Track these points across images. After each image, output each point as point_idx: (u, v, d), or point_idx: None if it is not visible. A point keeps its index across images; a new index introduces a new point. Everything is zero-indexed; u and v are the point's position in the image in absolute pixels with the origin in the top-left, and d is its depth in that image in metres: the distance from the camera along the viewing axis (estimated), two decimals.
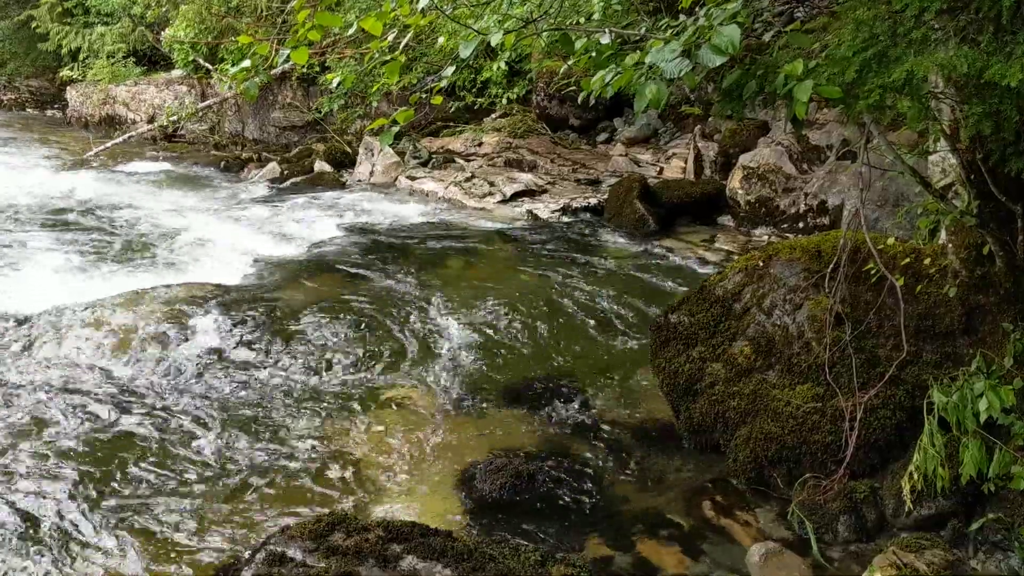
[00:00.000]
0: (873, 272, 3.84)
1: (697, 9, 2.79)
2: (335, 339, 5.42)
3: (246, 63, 3.16)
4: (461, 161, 10.50)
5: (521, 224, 8.49)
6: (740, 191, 7.92)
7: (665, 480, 4.09)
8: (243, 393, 4.86)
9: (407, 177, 10.32)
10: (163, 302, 5.81)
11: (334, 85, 3.63)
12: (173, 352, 5.24)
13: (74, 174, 11.21)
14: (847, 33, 2.76)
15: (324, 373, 5.08)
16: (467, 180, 9.80)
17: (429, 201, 9.63)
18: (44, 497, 3.85)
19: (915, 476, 3.37)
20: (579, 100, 3.30)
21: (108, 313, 5.65)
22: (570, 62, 3.31)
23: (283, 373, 5.07)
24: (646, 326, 5.40)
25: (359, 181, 10.77)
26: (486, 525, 3.70)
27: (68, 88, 16.30)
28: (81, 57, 15.79)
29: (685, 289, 5.62)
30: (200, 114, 14.23)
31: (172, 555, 3.51)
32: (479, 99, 11.42)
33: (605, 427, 4.52)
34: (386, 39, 3.24)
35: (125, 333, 5.43)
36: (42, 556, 3.49)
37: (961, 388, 3.29)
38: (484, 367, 5.16)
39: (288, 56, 3.09)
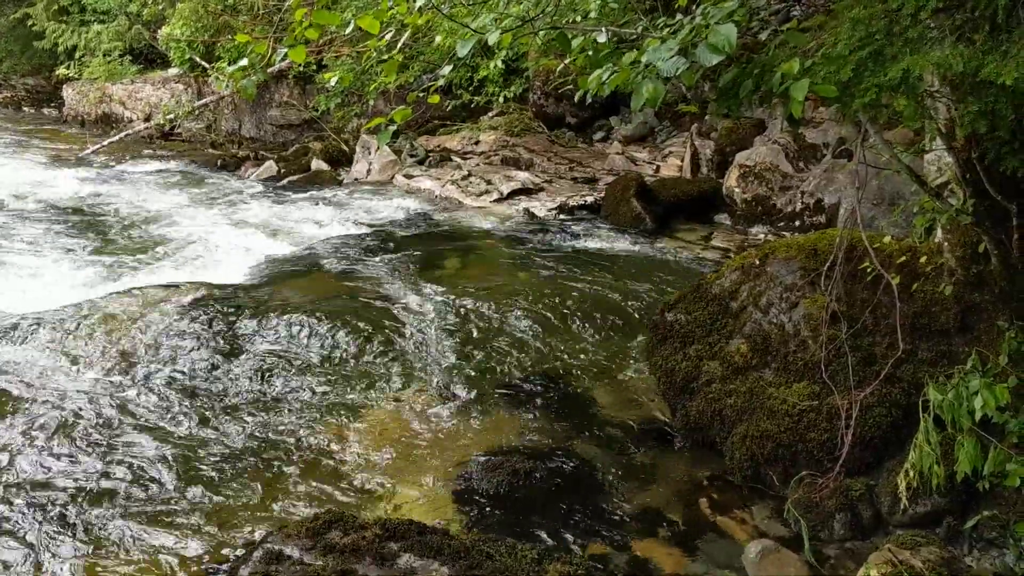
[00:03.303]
0: (869, 270, 3.85)
1: (694, 8, 2.80)
2: (333, 337, 5.41)
3: (244, 62, 3.16)
4: (458, 159, 10.50)
5: (518, 222, 8.50)
6: (737, 189, 7.94)
7: (661, 478, 4.10)
8: (240, 391, 4.86)
9: (404, 175, 10.32)
10: (160, 301, 5.80)
11: (332, 83, 3.63)
12: (169, 351, 5.24)
13: (70, 172, 11.19)
14: (843, 32, 2.77)
15: (321, 371, 5.08)
16: (464, 178, 9.80)
17: (426, 199, 9.62)
18: (42, 495, 3.85)
19: (911, 474, 3.38)
20: (576, 98, 3.31)
21: (105, 312, 5.64)
22: (567, 60, 3.31)
23: (280, 371, 5.06)
24: (643, 324, 5.41)
25: (356, 179, 10.77)
26: (483, 523, 3.71)
27: (64, 86, 16.28)
28: (77, 55, 15.77)
29: (682, 287, 5.62)
30: (197, 112, 14.22)
31: (170, 553, 3.51)
32: (476, 97, 11.42)
33: (602, 425, 4.53)
34: (383, 38, 3.24)
35: (122, 332, 5.43)
36: (40, 554, 3.49)
37: (956, 386, 3.30)
38: (481, 365, 5.16)
39: (286, 54, 3.09)
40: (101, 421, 4.48)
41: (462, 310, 5.78)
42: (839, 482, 3.66)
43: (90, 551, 3.51)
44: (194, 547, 3.54)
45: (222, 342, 5.34)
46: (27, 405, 4.61)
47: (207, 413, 4.61)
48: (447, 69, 3.37)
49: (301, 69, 12.35)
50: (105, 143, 13.09)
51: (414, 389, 4.89)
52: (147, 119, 14.50)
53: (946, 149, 3.35)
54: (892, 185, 6.20)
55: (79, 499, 3.83)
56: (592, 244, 7.66)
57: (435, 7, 3.22)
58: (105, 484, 3.95)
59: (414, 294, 6.12)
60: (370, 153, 10.84)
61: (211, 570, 3.40)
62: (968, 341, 3.66)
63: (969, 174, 3.25)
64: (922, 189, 3.55)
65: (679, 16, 2.82)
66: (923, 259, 3.83)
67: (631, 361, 5.18)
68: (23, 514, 3.72)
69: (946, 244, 3.72)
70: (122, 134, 13.70)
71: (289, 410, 4.66)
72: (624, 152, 10.10)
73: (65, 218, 8.81)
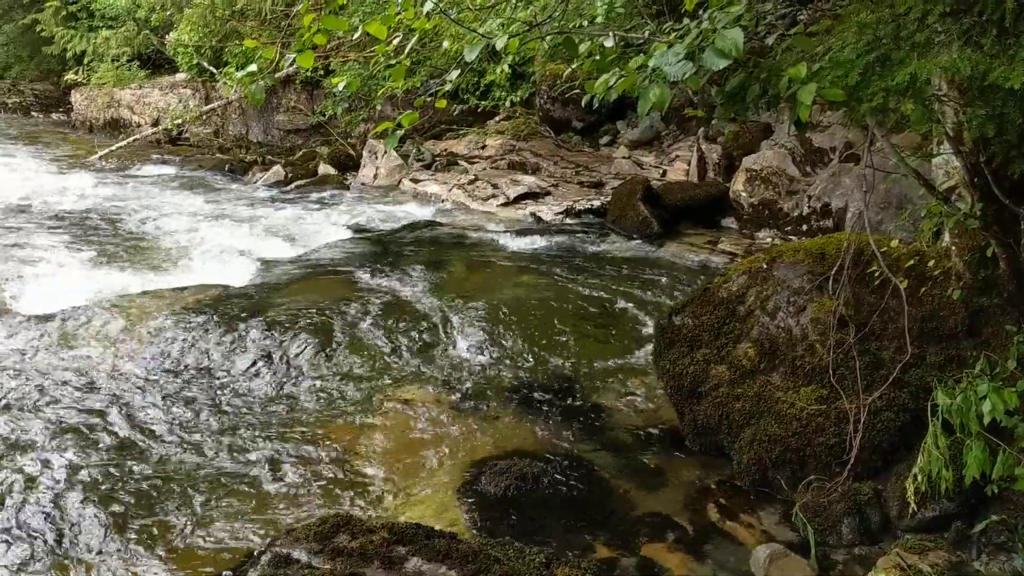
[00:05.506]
0: (877, 274, 3.84)
1: (701, 12, 2.80)
2: (340, 341, 5.43)
3: (252, 67, 3.17)
4: (464, 163, 10.52)
5: (524, 226, 8.51)
6: (743, 193, 7.93)
7: (669, 482, 4.09)
8: (249, 395, 4.87)
9: (411, 180, 10.34)
10: (169, 304, 5.83)
11: (339, 88, 3.64)
12: (179, 354, 5.26)
13: (79, 177, 11.26)
14: (850, 36, 2.77)
15: (329, 375, 5.09)
16: (470, 182, 9.81)
17: (432, 203, 9.64)
18: (48, 497, 3.86)
19: (919, 478, 3.37)
20: (582, 103, 3.31)
21: (114, 315, 5.67)
22: (574, 65, 3.31)
23: (288, 374, 5.08)
24: (650, 328, 5.41)
25: (363, 184, 10.80)
26: (491, 527, 3.71)
27: (73, 92, 16.38)
28: (86, 61, 15.87)
29: (689, 291, 5.62)
30: (204, 117, 14.29)
31: (176, 557, 3.52)
32: (483, 102, 11.44)
33: (609, 429, 4.53)
34: (391, 43, 3.25)
35: (131, 335, 5.45)
36: (45, 556, 3.50)
37: (965, 390, 3.29)
38: (488, 369, 5.17)
39: (294, 60, 3.10)
40: (107, 422, 4.50)
41: (468, 314, 5.78)
42: (847, 486, 3.65)
43: (93, 552, 3.52)
44: (201, 550, 3.55)
45: (229, 345, 5.35)
46: (35, 403, 4.63)
47: (214, 415, 4.63)
48: (455, 74, 3.37)
49: (308, 74, 12.41)
50: (113, 148, 13.16)
51: (421, 393, 4.90)
52: (155, 124, 14.57)
53: (954, 153, 3.35)
54: (899, 189, 6.19)
55: (82, 500, 3.85)
56: (599, 248, 7.66)
57: (443, 12, 3.23)
58: (109, 485, 3.97)
59: (421, 298, 6.14)
60: (377, 158, 10.86)
61: (218, 573, 3.41)
62: (976, 345, 3.65)
63: (977, 178, 3.25)
64: (930, 193, 3.54)
65: (686, 21, 2.82)
66: (931, 263, 3.82)
67: (638, 365, 5.17)
68: (26, 515, 3.74)
69: (954, 248, 3.71)
70: (130, 139, 13.78)
71: (297, 413, 4.67)
72: (630, 156, 10.10)
73: (74, 222, 8.85)
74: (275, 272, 6.96)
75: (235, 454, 4.28)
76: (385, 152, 10.73)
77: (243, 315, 5.70)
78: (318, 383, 5.00)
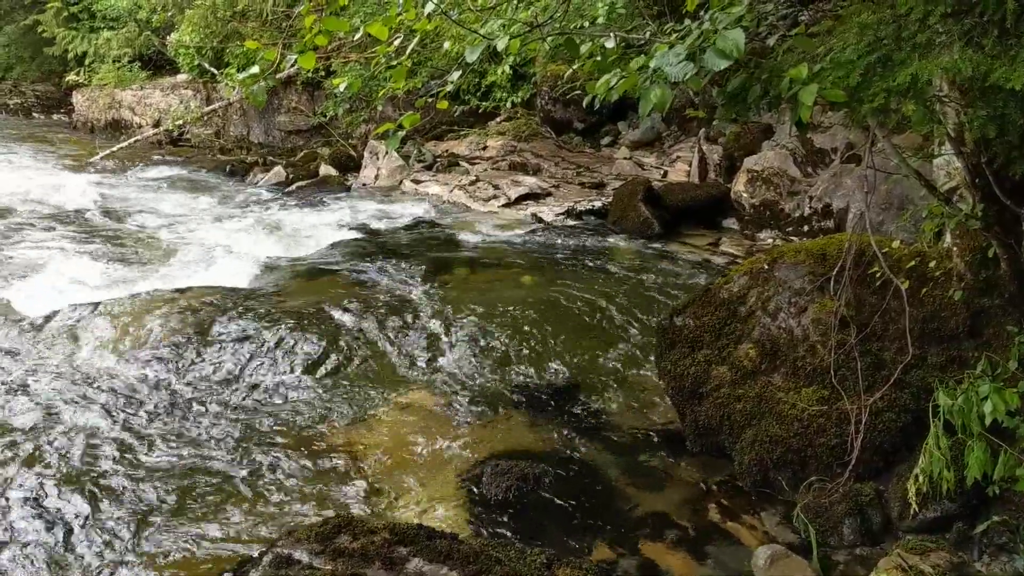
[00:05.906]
0: (878, 275, 3.85)
1: (702, 13, 2.80)
2: (341, 342, 5.42)
3: (255, 68, 3.17)
4: (465, 164, 10.52)
5: (525, 227, 8.50)
6: (745, 194, 7.93)
7: (670, 483, 4.10)
8: (250, 395, 4.87)
9: (412, 180, 10.34)
10: (171, 305, 5.83)
11: (340, 89, 3.64)
12: (181, 355, 5.26)
13: (80, 178, 11.25)
14: (851, 37, 2.78)
15: (329, 376, 5.09)
16: (471, 183, 9.82)
17: (433, 204, 9.64)
18: (50, 497, 3.87)
19: (920, 479, 3.37)
20: (584, 104, 3.31)
21: (116, 316, 5.68)
22: (575, 66, 3.31)
23: (290, 376, 5.08)
24: (651, 329, 5.40)
25: (364, 185, 10.80)
26: (492, 527, 3.71)
27: (74, 92, 16.39)
28: (87, 62, 15.88)
29: (690, 292, 5.62)
30: (205, 118, 14.30)
31: (178, 557, 3.52)
32: (484, 103, 11.44)
33: (610, 430, 4.53)
34: (392, 44, 3.26)
35: (133, 336, 5.46)
36: (46, 556, 3.50)
37: (966, 391, 3.29)
38: (489, 370, 5.17)
39: (295, 61, 3.11)
40: (106, 423, 4.51)
41: (469, 315, 5.78)
42: (848, 487, 3.65)
43: (94, 552, 3.53)
44: (203, 552, 3.56)
45: (229, 346, 5.35)
46: (37, 404, 4.63)
47: (214, 416, 4.63)
48: (456, 75, 3.37)
49: (310, 75, 12.42)
50: (115, 149, 13.16)
51: (422, 394, 4.90)
52: (156, 125, 14.58)
53: (955, 154, 3.35)
54: (901, 189, 6.19)
55: (82, 502, 3.85)
56: (600, 249, 7.66)
57: (444, 13, 3.23)
58: (108, 487, 3.97)
59: (421, 299, 6.13)
60: (378, 158, 10.87)
61: (219, 574, 3.41)
62: (977, 346, 3.66)
63: (978, 179, 3.25)
64: (931, 194, 3.55)
65: (687, 21, 2.82)
66: (932, 264, 3.82)
67: (640, 366, 5.17)
68: (25, 517, 3.74)
69: (955, 249, 3.71)
70: (131, 140, 13.79)
71: (297, 414, 4.67)
72: (631, 157, 10.10)
73: (74, 223, 8.86)
74: (276, 273, 6.96)
75: (235, 455, 4.28)
76: (386, 153, 10.73)
77: (244, 316, 5.70)
78: (319, 384, 5.00)
